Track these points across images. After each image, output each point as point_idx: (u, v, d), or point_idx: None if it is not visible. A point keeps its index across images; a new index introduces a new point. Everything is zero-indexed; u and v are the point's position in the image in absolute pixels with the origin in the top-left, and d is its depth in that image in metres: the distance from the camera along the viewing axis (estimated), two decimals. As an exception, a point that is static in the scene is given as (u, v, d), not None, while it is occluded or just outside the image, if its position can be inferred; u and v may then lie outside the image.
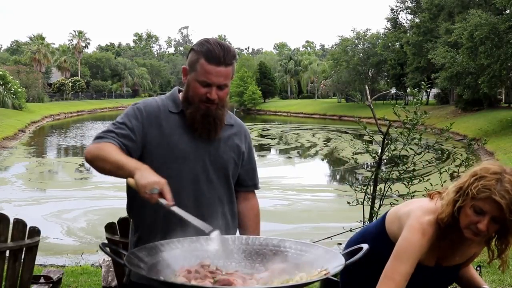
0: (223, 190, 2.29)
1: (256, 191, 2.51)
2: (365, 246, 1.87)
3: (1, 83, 43.04)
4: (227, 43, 2.24)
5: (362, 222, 5.50)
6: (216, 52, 2.13)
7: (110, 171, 2.03)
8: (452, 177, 9.25)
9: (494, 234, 2.03)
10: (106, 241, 3.58)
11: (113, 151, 2.04)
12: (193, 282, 1.72)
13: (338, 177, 19.20)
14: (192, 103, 2.19)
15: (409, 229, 2.06)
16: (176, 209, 1.87)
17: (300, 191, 14.53)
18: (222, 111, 2.22)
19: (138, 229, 2.27)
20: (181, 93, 2.31)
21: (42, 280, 4.07)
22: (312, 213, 12.17)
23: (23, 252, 3.57)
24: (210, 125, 2.20)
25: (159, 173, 2.08)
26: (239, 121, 2.43)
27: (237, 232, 2.43)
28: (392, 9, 52.09)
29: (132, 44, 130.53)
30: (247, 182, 2.42)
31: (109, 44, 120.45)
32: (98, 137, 2.12)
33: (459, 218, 2.01)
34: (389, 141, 5.70)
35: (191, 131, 2.22)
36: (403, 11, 51.66)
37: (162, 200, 1.87)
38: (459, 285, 2.35)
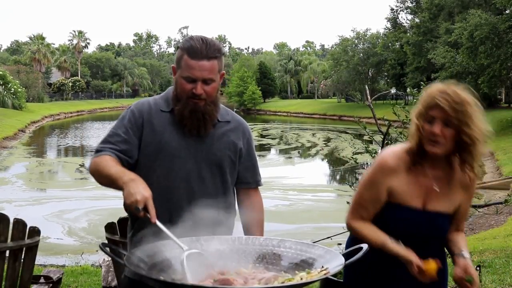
0: (217, 187, 2.27)
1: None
2: (364, 246, 1.88)
3: (1, 83, 43.05)
4: (213, 38, 2.24)
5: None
6: (197, 47, 2.15)
7: (108, 185, 2.11)
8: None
9: (456, 149, 2.14)
10: (106, 241, 3.58)
11: (107, 165, 2.10)
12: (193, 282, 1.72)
13: (338, 177, 19.20)
14: (180, 100, 2.21)
15: (374, 161, 2.29)
16: (158, 224, 1.90)
17: (301, 191, 14.54)
18: (211, 107, 2.22)
19: (134, 225, 2.28)
20: None
21: (42, 280, 4.07)
22: (313, 213, 12.18)
23: (23, 252, 3.57)
24: (199, 121, 2.20)
25: (151, 171, 2.14)
26: (237, 117, 2.41)
27: (235, 229, 2.41)
28: (392, 9, 52.05)
29: (132, 44, 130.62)
30: (248, 179, 2.40)
31: (109, 44, 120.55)
32: (97, 151, 2.19)
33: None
34: (389, 141, 5.70)
35: (181, 128, 2.22)
36: (403, 11, 51.60)
37: (148, 215, 1.91)
38: (447, 249, 2.36)
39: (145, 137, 2.21)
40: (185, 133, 2.22)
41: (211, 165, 2.26)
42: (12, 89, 43.93)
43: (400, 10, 51.61)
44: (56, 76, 78.22)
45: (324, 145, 27.38)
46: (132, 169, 2.15)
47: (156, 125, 2.22)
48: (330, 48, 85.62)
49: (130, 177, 1.99)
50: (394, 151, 2.24)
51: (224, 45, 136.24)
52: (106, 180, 2.09)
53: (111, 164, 2.10)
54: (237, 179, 2.38)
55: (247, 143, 2.39)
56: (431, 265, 2.10)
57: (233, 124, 2.35)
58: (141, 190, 1.93)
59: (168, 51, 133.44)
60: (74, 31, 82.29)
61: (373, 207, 2.23)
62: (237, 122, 2.38)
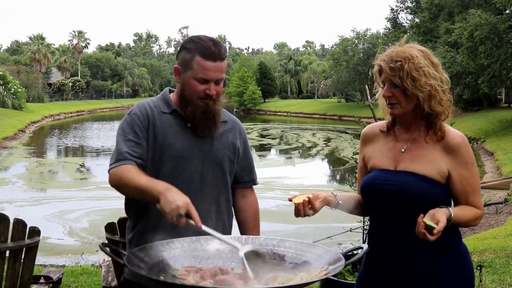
0: (219, 188, 2.28)
1: (258, 191, 2.50)
2: (365, 246, 1.87)
3: (1, 83, 43.01)
4: (216, 38, 2.26)
5: (362, 222, 5.51)
6: (211, 48, 2.15)
7: (137, 196, 2.09)
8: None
9: (416, 107, 2.09)
10: (106, 241, 3.58)
11: (133, 176, 2.06)
12: (193, 282, 1.72)
13: (338, 177, 19.21)
14: (190, 102, 2.20)
15: None
16: (204, 228, 1.88)
17: (302, 191, 14.51)
18: (218, 106, 2.24)
19: (134, 228, 2.29)
20: (172, 93, 2.32)
21: (42, 280, 4.07)
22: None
23: (23, 252, 3.57)
24: (210, 121, 2.21)
25: (155, 173, 2.13)
26: (232, 117, 2.43)
27: (232, 229, 2.43)
28: (392, 9, 51.99)
29: (132, 44, 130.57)
30: (244, 178, 2.41)
31: (109, 44, 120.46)
32: (116, 160, 2.14)
33: None
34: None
35: (184, 129, 2.23)
36: (403, 11, 51.53)
37: (191, 221, 1.88)
38: None
39: (150, 139, 2.21)
40: (188, 134, 2.23)
41: (213, 165, 2.26)
42: (12, 89, 43.89)
43: (400, 10, 51.57)
44: (56, 76, 78.16)
45: (325, 145, 27.37)
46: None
47: (159, 127, 2.22)
48: (330, 48, 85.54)
49: (165, 187, 1.96)
50: (375, 123, 2.31)
51: (224, 45, 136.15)
52: (136, 192, 2.06)
53: (137, 174, 2.07)
54: (234, 178, 2.38)
55: (243, 142, 2.40)
56: (298, 198, 2.09)
57: (230, 124, 2.37)
58: (180, 197, 1.91)
59: (168, 51, 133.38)
60: (74, 31, 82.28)
61: (361, 177, 2.29)
62: (233, 122, 2.40)
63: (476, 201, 2.10)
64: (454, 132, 2.12)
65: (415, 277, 2.07)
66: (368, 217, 2.30)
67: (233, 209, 2.40)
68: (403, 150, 2.14)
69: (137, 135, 2.19)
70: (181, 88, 2.24)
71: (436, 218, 1.92)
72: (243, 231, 2.38)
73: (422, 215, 1.93)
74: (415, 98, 2.05)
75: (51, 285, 4.06)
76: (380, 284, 2.14)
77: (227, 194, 2.32)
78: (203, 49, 2.15)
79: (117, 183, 2.11)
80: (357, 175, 2.38)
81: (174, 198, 1.89)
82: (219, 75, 2.18)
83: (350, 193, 2.34)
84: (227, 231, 2.30)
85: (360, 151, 2.32)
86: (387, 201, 2.09)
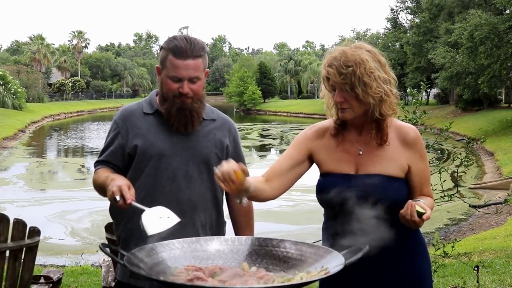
0: (206, 185, 2.28)
1: None
2: (365, 247, 1.87)
3: (1, 83, 43.04)
4: (196, 37, 2.26)
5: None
6: (182, 46, 2.17)
7: (105, 196, 2.18)
8: (452, 177, 9.23)
9: (366, 111, 2.01)
10: (107, 242, 3.58)
11: (98, 178, 2.22)
12: (186, 279, 1.72)
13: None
14: (167, 100, 2.23)
15: None
16: (133, 204, 1.98)
17: (305, 192, 14.46)
18: (198, 104, 2.24)
19: (118, 228, 2.35)
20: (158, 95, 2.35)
21: (42, 280, 4.07)
22: (317, 214, 12.07)
23: (23, 252, 3.57)
24: (187, 118, 2.22)
25: (139, 172, 2.21)
26: (222, 115, 2.43)
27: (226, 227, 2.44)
28: (392, 9, 52.00)
29: (132, 44, 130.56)
30: None
31: (109, 44, 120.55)
32: (94, 166, 2.32)
33: None
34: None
35: (167, 128, 2.25)
36: (403, 11, 51.54)
37: (137, 205, 1.98)
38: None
39: (130, 142, 2.24)
40: (171, 132, 2.25)
41: (198, 162, 2.27)
42: (12, 89, 43.92)
43: (400, 10, 51.59)
44: (56, 76, 78.19)
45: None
46: (124, 174, 2.23)
47: (140, 128, 2.26)
48: (330, 48, 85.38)
49: (111, 178, 2.07)
50: (321, 123, 2.21)
51: (224, 45, 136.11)
52: (102, 193, 2.19)
53: (100, 175, 2.21)
54: None
55: (233, 141, 2.40)
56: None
57: (219, 122, 2.37)
58: (116, 183, 2.00)
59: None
60: (74, 32, 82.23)
61: (284, 161, 2.12)
62: (222, 120, 2.40)
63: (429, 191, 2.12)
64: (408, 126, 2.12)
65: (392, 265, 2.09)
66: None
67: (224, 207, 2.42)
68: (360, 152, 2.08)
69: (112, 143, 2.28)
70: (160, 87, 2.28)
71: (421, 205, 1.92)
72: (236, 230, 2.40)
73: (413, 203, 1.93)
74: (368, 103, 1.99)
75: (51, 285, 4.06)
76: (360, 278, 2.10)
77: (214, 192, 2.32)
78: (174, 47, 2.17)
79: (95, 189, 2.26)
80: (278, 160, 2.15)
81: (112, 186, 2.00)
82: (191, 73, 2.18)
83: (257, 180, 2.05)
84: (214, 228, 2.31)
85: (301, 144, 2.14)
86: (354, 206, 2.03)
